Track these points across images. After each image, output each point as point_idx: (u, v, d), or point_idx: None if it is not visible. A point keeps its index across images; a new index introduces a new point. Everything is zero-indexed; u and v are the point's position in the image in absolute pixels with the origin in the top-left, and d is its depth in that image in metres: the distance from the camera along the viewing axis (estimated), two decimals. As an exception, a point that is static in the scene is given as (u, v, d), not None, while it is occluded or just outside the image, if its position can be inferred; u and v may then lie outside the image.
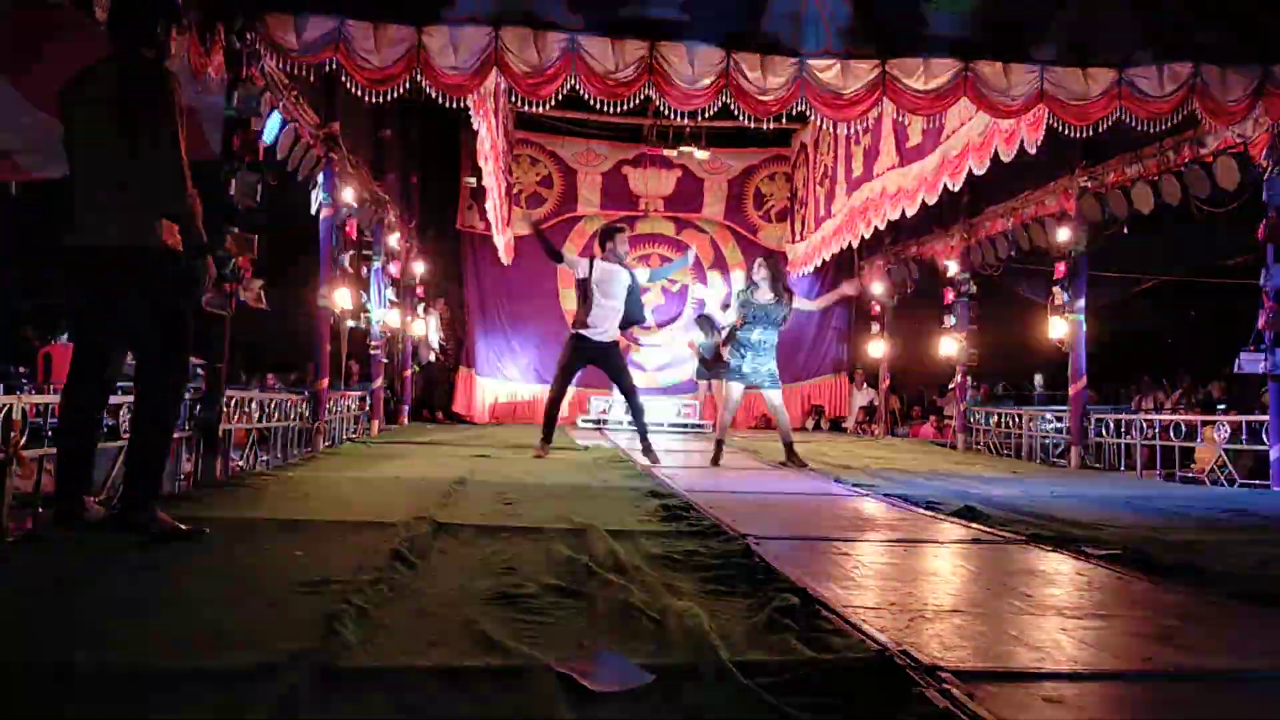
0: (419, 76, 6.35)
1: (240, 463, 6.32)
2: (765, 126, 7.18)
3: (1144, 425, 8.67)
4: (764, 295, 7.67)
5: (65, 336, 11.70)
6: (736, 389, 7.80)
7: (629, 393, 7.86)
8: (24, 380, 9.38)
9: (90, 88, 3.60)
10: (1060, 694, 2.06)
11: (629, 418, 8.11)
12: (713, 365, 13.71)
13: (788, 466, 7.61)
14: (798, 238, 14.84)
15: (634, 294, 7.84)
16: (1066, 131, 7.05)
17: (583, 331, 7.73)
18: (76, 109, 3.61)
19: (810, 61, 6.59)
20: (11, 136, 7.02)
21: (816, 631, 2.42)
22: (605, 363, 7.88)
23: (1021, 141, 7.90)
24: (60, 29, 5.53)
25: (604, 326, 7.70)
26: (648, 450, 7.61)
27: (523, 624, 2.45)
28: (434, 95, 6.54)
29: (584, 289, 7.79)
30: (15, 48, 5.98)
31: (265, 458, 6.78)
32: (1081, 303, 9.30)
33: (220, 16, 5.78)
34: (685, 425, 13.51)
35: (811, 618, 2.55)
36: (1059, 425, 10.07)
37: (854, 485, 6.33)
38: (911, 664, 2.17)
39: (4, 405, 3.81)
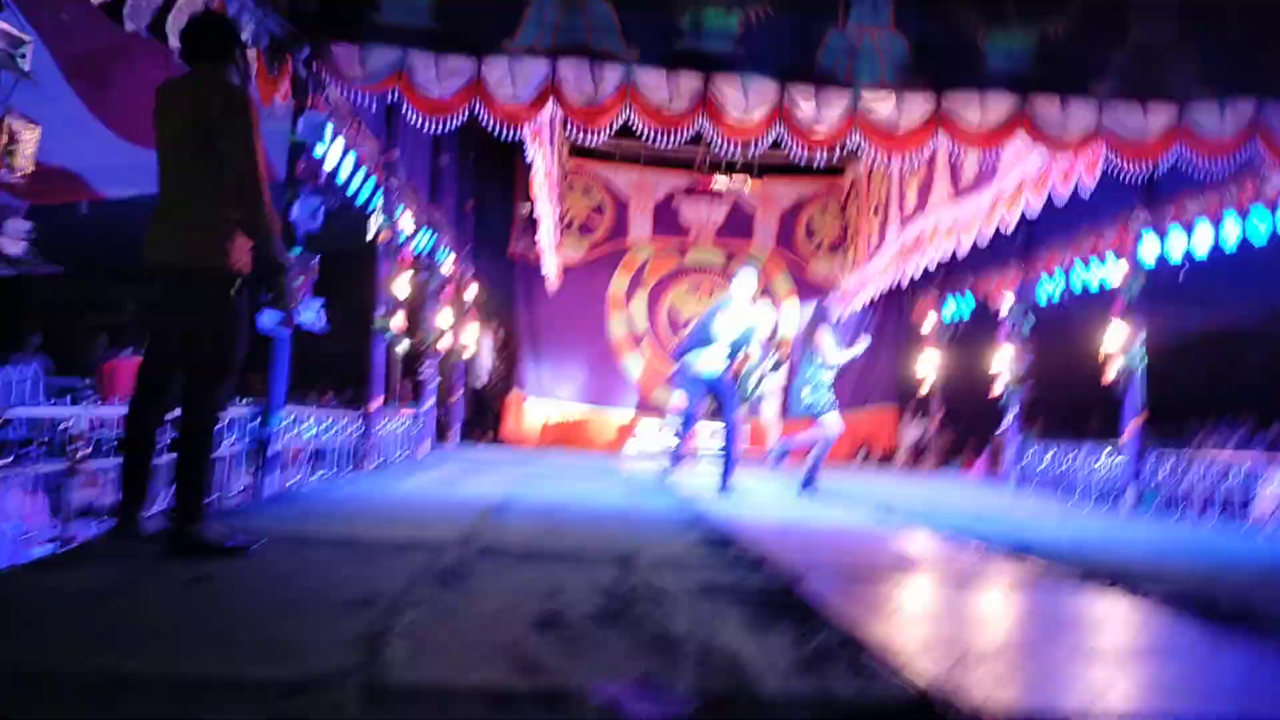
0: (478, 106, 6.47)
1: (294, 478, 6.42)
2: (817, 159, 7.18)
3: (1204, 467, 8.48)
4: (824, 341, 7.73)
5: (130, 351, 12.01)
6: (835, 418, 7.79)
7: (728, 418, 7.77)
8: (89, 393, 9.64)
9: (174, 103, 3.65)
10: (1107, 740, 2.03)
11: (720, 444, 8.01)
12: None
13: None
14: (849, 270, 14.79)
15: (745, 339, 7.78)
16: (1125, 169, 6.98)
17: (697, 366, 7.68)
18: (161, 124, 3.66)
19: (865, 94, 6.60)
20: (83, 157, 7.26)
21: (859, 670, 2.40)
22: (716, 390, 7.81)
23: (1079, 179, 7.82)
24: (133, 53, 5.73)
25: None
26: (725, 479, 7.53)
27: (565, 649, 2.47)
28: (491, 125, 6.65)
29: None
30: (90, 71, 6.20)
31: (318, 474, 6.88)
32: (1140, 341, 9.14)
33: (288, 46, 5.94)
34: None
35: (854, 656, 2.53)
36: (1116, 464, 9.88)
37: (903, 521, 6.27)
38: (954, 708, 2.15)
39: (69, 418, 3.93)
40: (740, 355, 8.20)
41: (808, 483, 7.72)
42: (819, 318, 7.91)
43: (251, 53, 4.04)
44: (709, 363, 7.51)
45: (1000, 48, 6.64)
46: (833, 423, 7.69)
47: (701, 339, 7.54)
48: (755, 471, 10.21)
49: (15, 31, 3.23)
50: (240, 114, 3.56)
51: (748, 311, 7.66)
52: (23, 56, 3.23)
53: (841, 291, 14.08)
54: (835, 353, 7.69)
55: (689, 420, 7.91)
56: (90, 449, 4.03)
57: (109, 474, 4.38)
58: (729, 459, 7.59)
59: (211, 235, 3.54)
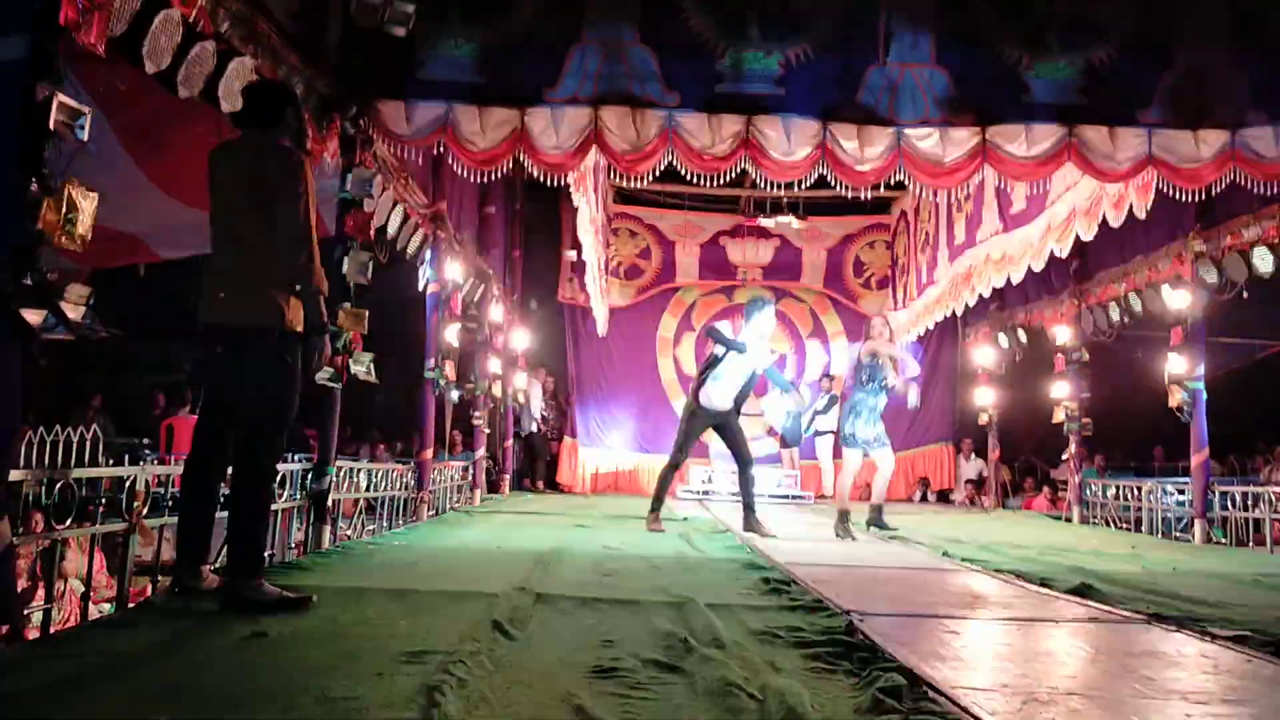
0: (522, 156, 6.56)
1: (349, 531, 6.46)
2: (864, 195, 7.15)
3: (1273, 498, 8.22)
4: (885, 360, 7.52)
5: (188, 409, 12.24)
6: (857, 456, 7.63)
7: (745, 461, 7.71)
8: (147, 451, 9.82)
9: (227, 165, 3.74)
10: (1186, 787, 1.94)
11: (737, 485, 7.92)
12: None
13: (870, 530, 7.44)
14: (899, 305, 14.67)
15: (752, 380, 7.70)
16: (1177, 195, 6.87)
17: (702, 401, 7.61)
18: (214, 184, 3.73)
19: (908, 131, 6.58)
20: (140, 221, 7.46)
21: (923, 714, 2.34)
22: (723, 429, 7.75)
23: (1130, 206, 7.70)
24: (185, 118, 5.88)
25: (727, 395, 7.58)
26: (750, 518, 7.43)
27: (621, 699, 2.43)
28: (536, 174, 6.74)
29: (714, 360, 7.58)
30: (145, 136, 6.39)
31: (372, 527, 6.93)
32: (1200, 370, 8.92)
33: (336, 105, 6.08)
34: (786, 496, 13.30)
35: (918, 699, 2.48)
36: (1181, 498, 9.61)
37: (963, 560, 6.14)
38: (1024, 750, 2.08)
39: (128, 476, 4.00)
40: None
41: (875, 521, 7.59)
42: (865, 337, 7.72)
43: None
44: (716, 396, 7.48)
45: (1044, 78, 6.61)
46: (849, 459, 7.54)
47: (711, 370, 7.50)
48: (816, 513, 10.11)
49: (73, 103, 3.34)
50: (294, 177, 3.62)
51: (760, 347, 7.59)
52: (81, 127, 3.33)
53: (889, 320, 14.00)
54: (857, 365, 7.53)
55: (675, 464, 7.84)
56: (148, 507, 4.08)
57: (168, 532, 4.44)
58: (748, 496, 7.52)
59: (265, 295, 3.59)
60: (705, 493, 13.38)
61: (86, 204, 3.25)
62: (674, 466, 7.86)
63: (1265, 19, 6.62)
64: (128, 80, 5.10)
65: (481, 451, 11.05)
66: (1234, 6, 6.69)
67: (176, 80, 4.43)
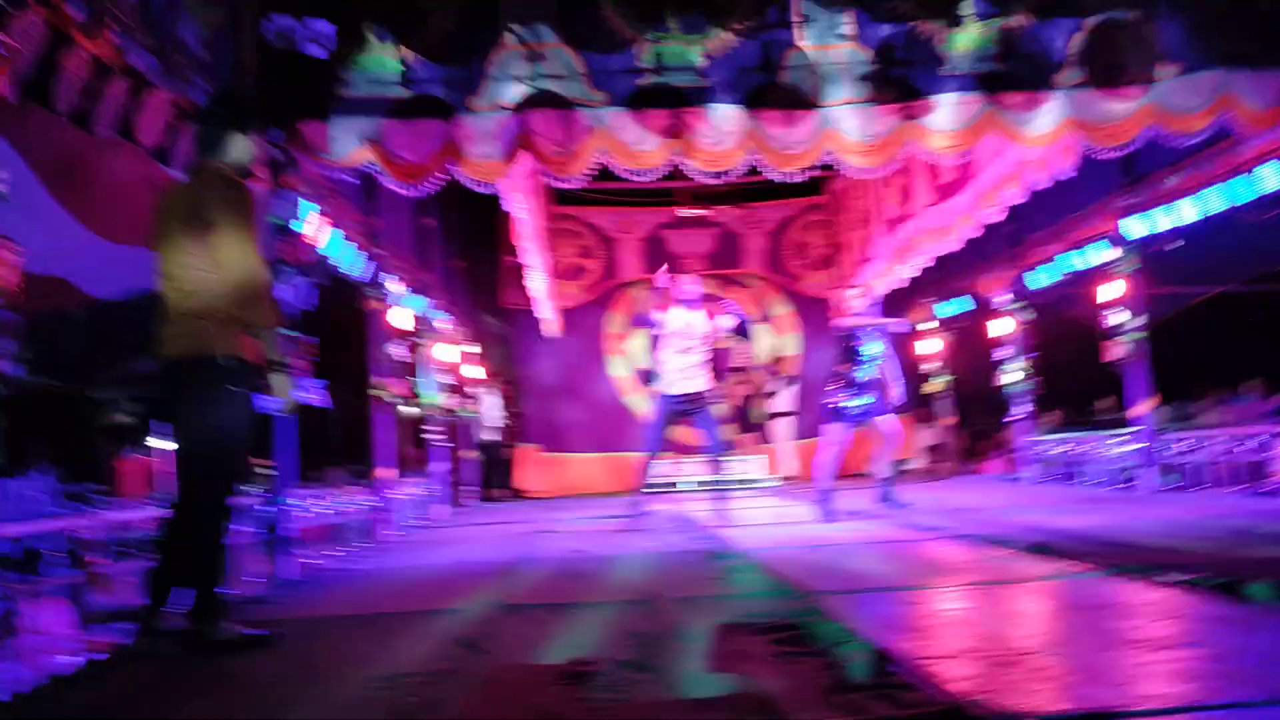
0: (452, 167, 6.53)
1: (311, 559, 6.39)
2: (796, 178, 7.19)
3: (1218, 441, 8.44)
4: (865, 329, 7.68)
5: (137, 451, 11.99)
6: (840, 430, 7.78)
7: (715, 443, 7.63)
8: (98, 497, 9.62)
9: (168, 199, 3.64)
10: (1146, 733, 2.01)
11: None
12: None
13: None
14: (842, 284, 14.83)
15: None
16: (1100, 154, 7.00)
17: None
18: (158, 224, 3.61)
19: (833, 112, 6.65)
20: (69, 261, 7.30)
21: (889, 687, 2.39)
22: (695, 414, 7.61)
23: (1056, 166, 7.85)
24: (105, 155, 5.77)
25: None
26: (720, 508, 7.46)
27: (595, 703, 2.45)
28: (470, 183, 6.70)
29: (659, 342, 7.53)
30: (68, 176, 6.25)
31: (335, 552, 6.86)
32: (1139, 322, 9.14)
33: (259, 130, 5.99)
34: (749, 481, 13.37)
35: (884, 673, 2.52)
36: (1130, 448, 9.83)
37: (923, 528, 6.24)
38: (988, 714, 2.13)
39: (79, 528, 3.93)
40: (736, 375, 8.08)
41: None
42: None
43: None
44: (672, 380, 7.49)
45: (960, 49, 6.69)
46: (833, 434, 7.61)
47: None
48: (781, 497, 10.19)
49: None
50: (231, 209, 3.50)
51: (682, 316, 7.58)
52: (3, 181, 3.24)
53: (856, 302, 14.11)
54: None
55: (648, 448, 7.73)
56: (104, 556, 4.01)
57: (129, 578, 4.38)
58: (717, 484, 7.56)
59: (201, 325, 3.49)
60: (669, 485, 13.42)
61: (10, 256, 3.18)
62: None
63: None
64: (42, 122, 5.00)
65: (440, 466, 10.98)
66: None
67: (91, 120, 4.34)
